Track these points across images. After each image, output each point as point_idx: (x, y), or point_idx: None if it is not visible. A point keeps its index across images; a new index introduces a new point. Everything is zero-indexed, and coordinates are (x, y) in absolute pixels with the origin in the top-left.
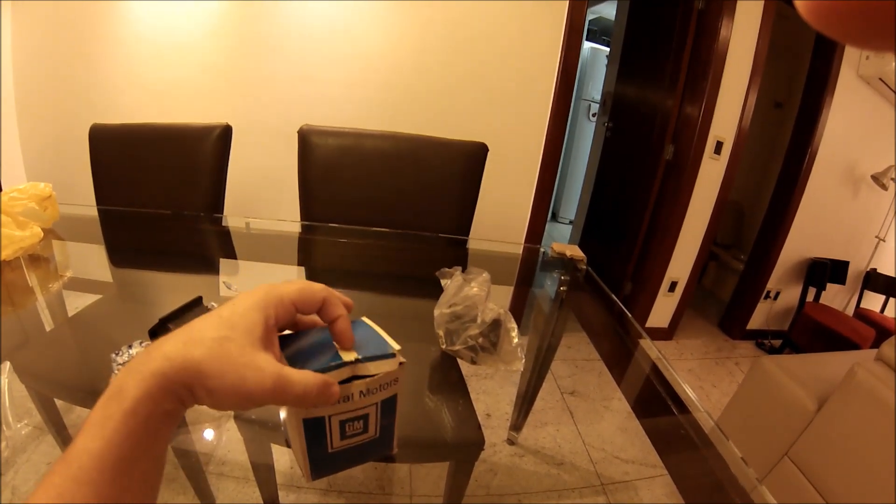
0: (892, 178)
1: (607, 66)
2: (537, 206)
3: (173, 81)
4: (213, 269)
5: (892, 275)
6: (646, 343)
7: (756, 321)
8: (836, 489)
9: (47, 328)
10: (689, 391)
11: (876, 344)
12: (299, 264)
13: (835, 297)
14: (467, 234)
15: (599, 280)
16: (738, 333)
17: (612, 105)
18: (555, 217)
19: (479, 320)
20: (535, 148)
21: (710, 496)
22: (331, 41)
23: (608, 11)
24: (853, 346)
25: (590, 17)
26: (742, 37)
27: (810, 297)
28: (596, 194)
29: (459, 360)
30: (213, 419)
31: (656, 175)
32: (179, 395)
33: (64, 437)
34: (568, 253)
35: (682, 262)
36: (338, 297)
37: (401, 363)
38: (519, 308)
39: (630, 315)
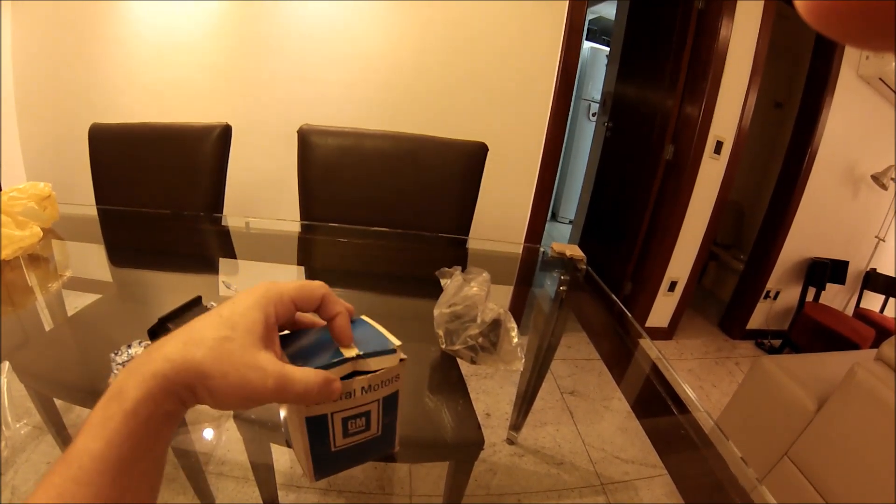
0: (891, 178)
1: (607, 65)
2: (537, 206)
3: (173, 81)
4: (213, 269)
5: (892, 275)
6: (646, 343)
7: (756, 321)
8: (835, 489)
9: (47, 328)
10: (688, 391)
11: (876, 344)
12: (299, 264)
13: (835, 297)
14: (467, 233)
15: (599, 280)
16: (737, 333)
17: (612, 105)
18: (555, 217)
19: (478, 320)
20: (534, 148)
21: (709, 496)
22: (331, 41)
23: (608, 11)
24: (853, 346)
25: (590, 16)
26: (742, 37)
27: (810, 297)
28: (596, 194)
29: (459, 360)
30: (213, 419)
31: (656, 175)
32: (180, 395)
33: (63, 436)
34: (568, 253)
35: (682, 261)
36: (337, 297)
37: (402, 359)
38: (519, 308)
39: (630, 315)
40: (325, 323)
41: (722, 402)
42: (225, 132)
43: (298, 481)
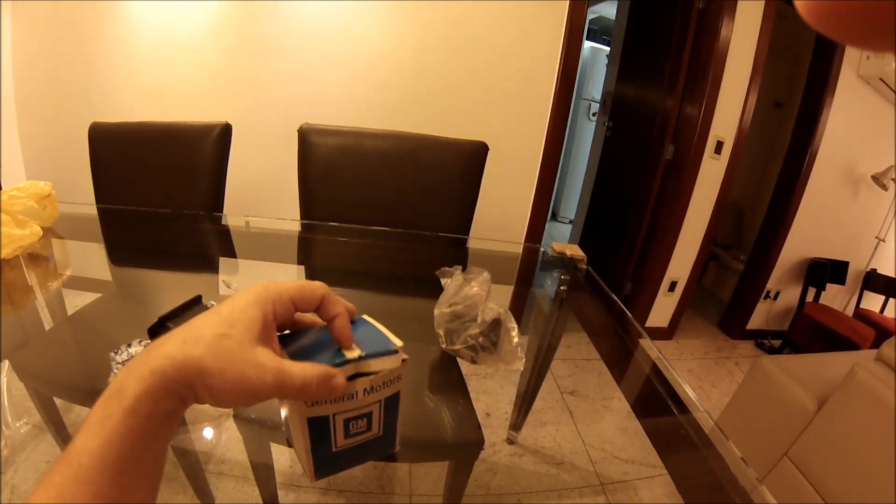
0: (892, 179)
1: (607, 65)
2: (537, 206)
3: (173, 81)
4: (213, 268)
5: (892, 275)
6: (646, 343)
7: (756, 321)
8: (835, 489)
9: (46, 327)
10: (688, 391)
11: (876, 344)
12: (299, 263)
13: (835, 297)
14: (467, 233)
15: (599, 280)
16: (737, 333)
17: (613, 105)
18: (555, 216)
19: (479, 320)
20: (535, 147)
21: (709, 496)
22: (331, 41)
23: (608, 11)
24: (853, 346)
25: (590, 16)
26: (742, 37)
27: (810, 298)
28: (596, 194)
29: (459, 360)
30: (213, 418)
31: (656, 175)
32: (180, 393)
33: (63, 436)
34: (568, 252)
35: (682, 261)
36: (337, 297)
37: (403, 360)
38: (519, 308)
39: (630, 315)
40: (325, 323)
41: (722, 403)
42: (225, 131)
43: (298, 481)
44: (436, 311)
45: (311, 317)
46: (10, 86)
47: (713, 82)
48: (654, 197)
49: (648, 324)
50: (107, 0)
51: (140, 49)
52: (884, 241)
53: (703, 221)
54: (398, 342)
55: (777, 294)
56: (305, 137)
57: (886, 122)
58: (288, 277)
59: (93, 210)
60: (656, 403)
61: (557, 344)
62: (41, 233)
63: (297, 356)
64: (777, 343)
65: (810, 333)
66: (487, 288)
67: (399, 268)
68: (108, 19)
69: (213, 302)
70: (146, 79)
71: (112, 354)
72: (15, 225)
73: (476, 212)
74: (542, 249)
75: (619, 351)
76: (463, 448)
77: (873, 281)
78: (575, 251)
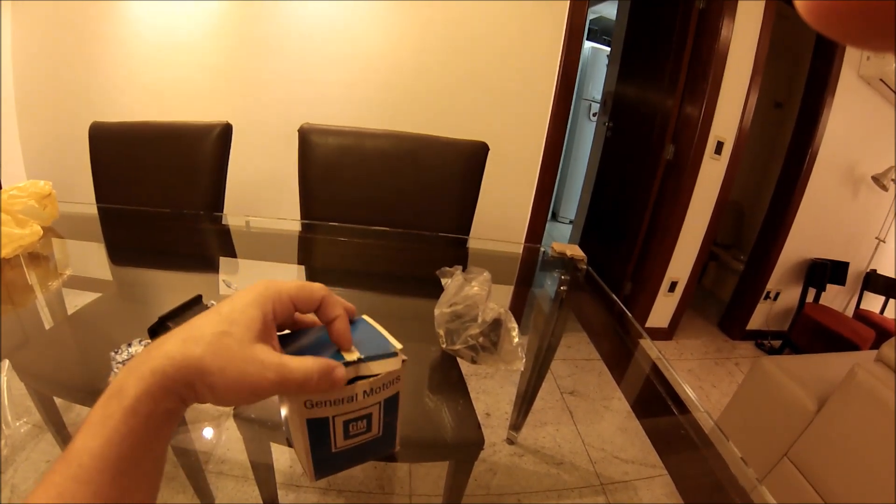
0: (892, 179)
1: (608, 65)
2: (537, 206)
3: (173, 81)
4: (213, 268)
5: (892, 276)
6: (646, 343)
7: (756, 321)
8: (835, 490)
9: (47, 326)
10: (688, 391)
11: (876, 345)
12: (299, 263)
13: (835, 297)
14: (467, 233)
15: (599, 280)
16: (737, 334)
17: (613, 105)
18: (555, 217)
19: (479, 320)
20: (535, 148)
21: (709, 496)
22: (331, 41)
23: (609, 11)
24: (853, 346)
25: (590, 16)
26: (743, 37)
27: (810, 298)
28: (596, 194)
29: (459, 360)
30: (213, 418)
31: (656, 175)
32: (180, 393)
33: (63, 435)
34: (568, 252)
35: (682, 262)
36: (337, 299)
37: (403, 361)
38: (519, 308)
39: (630, 315)
40: (323, 323)
41: (722, 403)
42: (225, 131)
43: (298, 480)
44: (436, 311)
45: (311, 317)
46: (10, 86)
47: (713, 82)
48: (654, 197)
49: (648, 324)
50: (107, 0)
51: (140, 49)
52: (884, 241)
53: (703, 221)
54: (398, 344)
55: (777, 294)
56: (306, 137)
57: (887, 123)
58: (288, 277)
59: (93, 210)
60: (656, 403)
61: (557, 344)
62: (41, 232)
63: (296, 356)
64: (777, 343)
65: (810, 334)
66: (488, 288)
67: (399, 268)
68: (108, 19)
69: (213, 301)
70: (146, 79)
71: (112, 354)
72: (15, 224)
73: (476, 212)
74: (542, 249)
75: (619, 351)
76: (463, 448)
77: (873, 282)
78: (575, 251)
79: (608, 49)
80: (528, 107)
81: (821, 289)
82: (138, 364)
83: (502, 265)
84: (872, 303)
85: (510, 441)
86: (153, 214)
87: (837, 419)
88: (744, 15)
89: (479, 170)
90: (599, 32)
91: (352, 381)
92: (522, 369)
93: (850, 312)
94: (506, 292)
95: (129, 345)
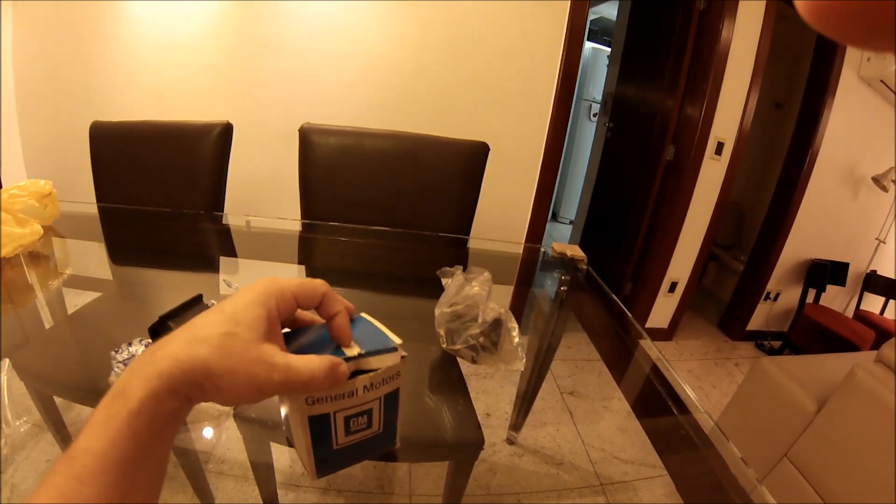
0: (892, 180)
1: (608, 66)
2: (538, 206)
3: (173, 81)
4: (214, 268)
5: (892, 277)
6: (646, 343)
7: (756, 322)
8: (835, 490)
9: (47, 326)
10: (688, 391)
11: (876, 346)
12: (300, 263)
13: (835, 298)
14: (468, 233)
15: (600, 280)
16: (737, 334)
17: (613, 105)
18: (555, 217)
19: (479, 320)
20: (535, 148)
21: (709, 496)
22: (331, 41)
23: (609, 11)
24: (853, 347)
25: (591, 16)
26: (743, 37)
27: (810, 299)
28: (596, 194)
29: (460, 360)
30: (213, 417)
31: (657, 175)
32: (187, 393)
33: (63, 435)
34: (568, 253)
35: (682, 262)
36: (337, 295)
37: (402, 357)
38: (519, 308)
39: (630, 315)
40: (324, 321)
41: (722, 403)
42: (226, 130)
43: (298, 480)
44: (436, 311)
45: (310, 315)
46: (11, 85)
47: (714, 83)
48: (654, 197)
49: (648, 324)
50: (107, 0)
51: (140, 49)
52: (884, 242)
53: (703, 222)
54: (397, 339)
55: (777, 295)
56: (306, 137)
57: (887, 124)
58: (288, 277)
59: (93, 209)
60: (656, 404)
61: (557, 344)
62: (42, 231)
63: (297, 353)
64: (777, 344)
65: (810, 334)
66: (488, 288)
67: (399, 268)
68: (108, 19)
69: (213, 301)
70: (146, 79)
71: (112, 353)
72: (15, 223)
73: (476, 212)
74: (542, 250)
75: (619, 351)
76: (463, 448)
77: (873, 282)
78: (575, 251)
79: (609, 49)
80: (528, 107)
81: (821, 289)
82: (143, 365)
83: (502, 265)
84: (872, 303)
85: (510, 441)
86: (153, 214)
87: (837, 420)
88: (744, 15)
89: (479, 170)
90: (600, 33)
91: (352, 375)
92: (522, 369)
93: (850, 313)
94: (506, 292)
95: (130, 344)
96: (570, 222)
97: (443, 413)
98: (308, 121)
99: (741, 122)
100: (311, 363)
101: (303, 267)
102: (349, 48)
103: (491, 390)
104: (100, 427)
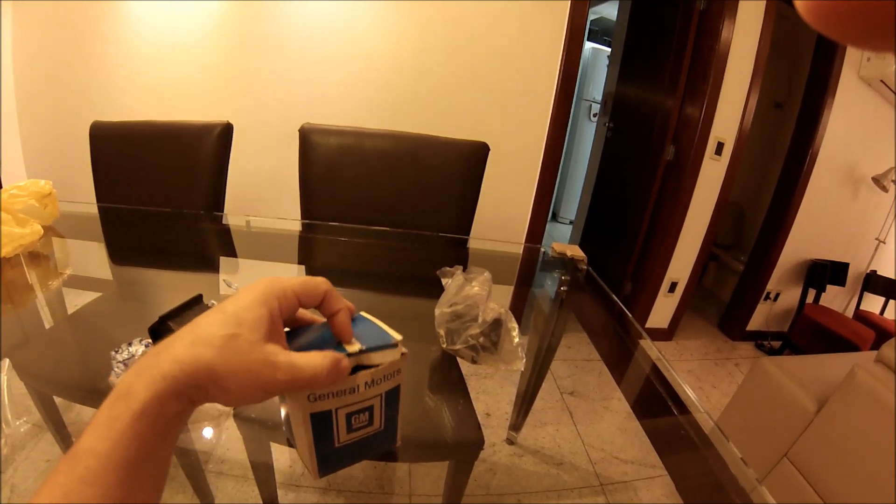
0: (892, 180)
1: (608, 66)
2: (538, 206)
3: (173, 81)
4: (214, 268)
5: (892, 277)
6: (646, 343)
7: (756, 322)
8: (835, 490)
9: (47, 326)
10: (688, 392)
11: (876, 346)
12: (300, 263)
13: (834, 298)
14: (468, 233)
15: (600, 280)
16: (737, 334)
17: (613, 105)
18: (555, 217)
19: (479, 320)
20: (535, 148)
21: (709, 496)
22: (331, 41)
23: (609, 12)
24: (853, 347)
25: (591, 17)
26: (743, 37)
27: (810, 299)
28: (596, 194)
29: (460, 360)
30: (213, 418)
31: (657, 175)
32: (191, 395)
33: (63, 434)
34: (568, 253)
35: (682, 262)
36: (338, 293)
37: (403, 353)
38: (519, 308)
39: (630, 315)
40: (324, 320)
41: (722, 403)
42: (226, 131)
43: (298, 480)
44: (436, 311)
45: (310, 314)
46: (11, 85)
47: (714, 83)
48: (654, 197)
49: (648, 324)
50: (107, 0)
51: (140, 49)
52: (884, 242)
53: (703, 222)
54: (397, 336)
55: (777, 295)
56: (306, 137)
57: (887, 124)
58: (289, 276)
59: (93, 209)
60: (656, 404)
61: (557, 344)
62: (42, 231)
63: (299, 352)
64: (777, 344)
65: (810, 335)
66: (488, 288)
67: (399, 268)
68: (108, 19)
69: (213, 301)
70: (146, 79)
71: (112, 353)
72: (15, 223)
73: (476, 212)
74: (542, 250)
75: (619, 351)
76: (463, 448)
77: (873, 282)
78: (575, 252)
79: (609, 50)
80: (528, 107)
81: (821, 289)
82: (146, 367)
83: (502, 265)
84: (872, 304)
85: (510, 441)
86: (153, 214)
87: (837, 420)
88: (744, 16)
89: (479, 170)
90: (600, 33)
91: (353, 371)
92: (522, 369)
93: (849, 313)
94: (506, 292)
95: (130, 344)
96: (570, 222)
97: (443, 413)
98: (308, 121)
99: (741, 122)
100: (313, 360)
101: (303, 267)
102: (349, 48)
103: (491, 390)
104: (103, 428)
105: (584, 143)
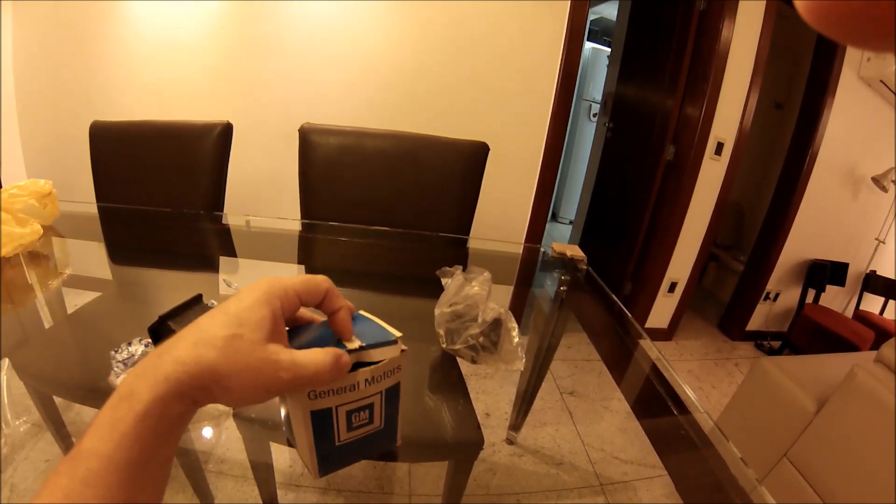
0: (892, 181)
1: (608, 66)
2: (538, 206)
3: (173, 81)
4: (213, 267)
5: (892, 277)
6: (646, 343)
7: (756, 322)
8: (835, 490)
9: (46, 325)
10: (688, 392)
11: (875, 346)
12: (299, 263)
13: (834, 298)
14: (467, 233)
15: (599, 280)
16: (737, 334)
17: (613, 105)
18: (555, 217)
19: (479, 319)
20: (535, 148)
21: (709, 497)
22: (331, 41)
23: (609, 11)
24: (853, 347)
25: (591, 17)
26: (743, 37)
27: (810, 299)
28: (596, 194)
29: (459, 360)
30: (213, 418)
31: (656, 175)
32: (194, 396)
33: (62, 434)
34: (568, 253)
35: (682, 262)
36: (339, 292)
37: (402, 350)
38: (519, 308)
39: (630, 315)
40: (324, 318)
41: (721, 403)
42: (226, 130)
43: (298, 480)
44: (436, 311)
45: (309, 312)
46: (11, 85)
47: (714, 83)
48: (654, 198)
49: (648, 324)
50: (107, 0)
51: (140, 49)
52: (884, 242)
53: (703, 222)
54: (397, 333)
55: (777, 295)
56: (306, 137)
57: (887, 124)
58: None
59: (93, 209)
60: (656, 404)
61: (557, 344)
62: (41, 231)
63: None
64: (777, 344)
65: (810, 335)
66: (488, 288)
67: (399, 268)
68: (108, 19)
69: (213, 301)
70: (146, 79)
71: (112, 353)
72: (15, 223)
73: (476, 212)
74: (542, 250)
75: (618, 351)
76: (463, 448)
77: (873, 282)
78: (575, 251)
79: (609, 50)
80: (528, 107)
81: (820, 290)
82: (149, 369)
83: (502, 265)
84: (872, 304)
85: (510, 441)
86: (153, 213)
87: (837, 420)
88: (744, 16)
89: (479, 170)
90: (600, 33)
91: (353, 368)
92: (522, 369)
93: (849, 313)
94: (506, 292)
95: (130, 344)
96: (570, 222)
97: (443, 413)
98: (308, 121)
99: (741, 123)
100: (316, 356)
101: (303, 267)
102: (349, 48)
103: (491, 390)
104: (105, 430)
105: (584, 143)
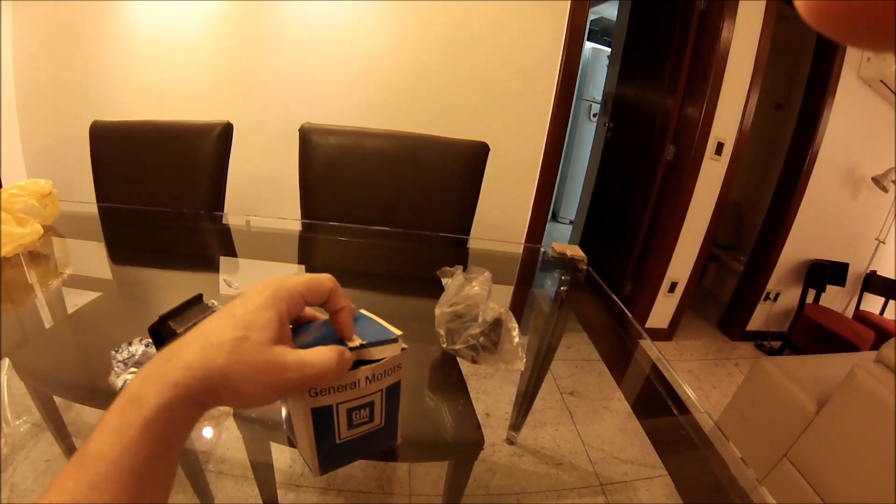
0: (892, 181)
1: (608, 66)
2: (538, 206)
3: (173, 81)
4: (214, 267)
5: (892, 277)
6: (646, 343)
7: (756, 322)
8: (835, 490)
9: (46, 325)
10: (688, 392)
11: (875, 346)
12: (300, 263)
13: (834, 298)
14: (468, 233)
15: (600, 280)
16: (737, 334)
17: (613, 105)
18: (555, 217)
19: (479, 319)
20: (535, 148)
21: (709, 497)
22: (331, 41)
23: (609, 12)
24: (853, 347)
25: (591, 17)
26: (743, 37)
27: (810, 299)
28: (596, 194)
29: (460, 360)
30: (213, 418)
31: (656, 175)
32: (202, 400)
33: (63, 434)
34: (568, 253)
35: (682, 262)
36: (342, 291)
37: (403, 348)
38: (519, 308)
39: (630, 315)
40: (325, 318)
41: (722, 403)
42: (226, 130)
43: (298, 480)
44: (436, 311)
45: (310, 312)
46: (11, 85)
47: (714, 83)
48: (654, 198)
49: (648, 324)
50: (107, 0)
51: (140, 49)
52: (884, 242)
53: (703, 222)
54: (397, 331)
55: (777, 295)
56: (306, 137)
57: (887, 124)
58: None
59: (93, 208)
60: (656, 404)
61: (557, 344)
62: (42, 231)
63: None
64: (777, 344)
65: (810, 335)
66: (488, 288)
67: (399, 268)
68: (108, 19)
69: (213, 301)
70: (146, 79)
71: (112, 353)
72: (15, 223)
73: (476, 212)
74: (542, 250)
75: (619, 351)
76: (463, 448)
77: (873, 283)
78: (575, 251)
79: (609, 50)
80: (528, 107)
81: (820, 290)
82: (157, 374)
83: (502, 265)
84: (872, 304)
85: (510, 441)
86: (153, 213)
87: (837, 420)
88: (744, 16)
89: (479, 170)
90: (600, 33)
91: (354, 366)
92: (522, 369)
93: (849, 313)
94: (506, 292)
95: (130, 344)
96: (570, 222)
97: (443, 413)
98: (308, 121)
99: (741, 123)
100: (322, 354)
101: (303, 267)
102: (349, 48)
103: (491, 390)
104: (113, 434)
105: (584, 143)
